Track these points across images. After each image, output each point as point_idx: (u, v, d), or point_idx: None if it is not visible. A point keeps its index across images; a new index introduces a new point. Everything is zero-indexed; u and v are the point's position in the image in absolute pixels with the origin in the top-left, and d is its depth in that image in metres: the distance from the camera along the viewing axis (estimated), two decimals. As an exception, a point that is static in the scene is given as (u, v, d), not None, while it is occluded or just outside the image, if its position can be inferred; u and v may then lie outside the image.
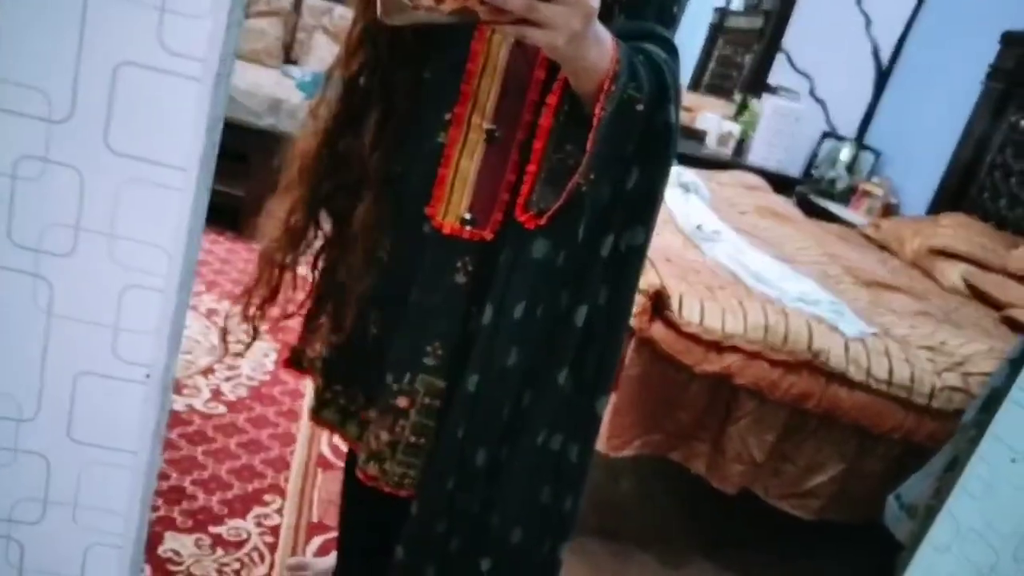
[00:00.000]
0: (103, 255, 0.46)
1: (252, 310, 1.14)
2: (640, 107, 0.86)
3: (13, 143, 0.44)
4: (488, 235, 0.99)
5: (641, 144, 0.91)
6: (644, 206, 0.98)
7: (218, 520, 1.67)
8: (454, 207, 0.99)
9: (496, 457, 1.05)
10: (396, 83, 1.01)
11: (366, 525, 1.26)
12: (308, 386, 1.97)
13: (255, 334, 1.16)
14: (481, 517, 1.07)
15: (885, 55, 4.22)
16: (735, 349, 1.77)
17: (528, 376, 1.02)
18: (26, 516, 0.51)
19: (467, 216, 0.99)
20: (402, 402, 1.04)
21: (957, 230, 2.97)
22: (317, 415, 1.21)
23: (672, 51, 0.94)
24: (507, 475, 1.05)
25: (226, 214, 3.07)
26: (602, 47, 0.81)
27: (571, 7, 0.74)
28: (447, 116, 0.97)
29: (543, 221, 0.92)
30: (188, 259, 0.46)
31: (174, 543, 1.57)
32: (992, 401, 1.08)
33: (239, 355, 1.19)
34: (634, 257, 1.00)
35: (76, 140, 0.44)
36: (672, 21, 0.99)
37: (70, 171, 0.44)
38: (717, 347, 1.76)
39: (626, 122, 0.86)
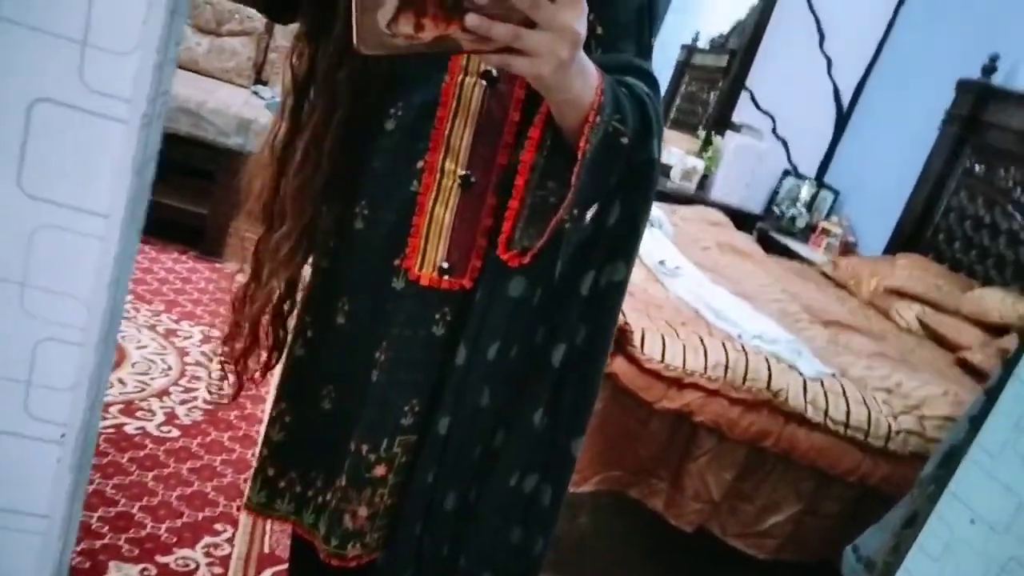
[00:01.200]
0: (14, 305, 0.41)
1: (234, 359, 1.07)
2: (624, 140, 0.83)
3: (-83, 181, 0.40)
4: (467, 283, 0.95)
5: (624, 178, 0.88)
6: (625, 241, 0.95)
7: (166, 549, 1.61)
8: (430, 257, 0.94)
9: (465, 499, 1.01)
10: (331, 127, 0.95)
11: None
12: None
13: (240, 385, 1.08)
14: (449, 560, 1.03)
15: (846, 97, 4.32)
16: (695, 386, 1.76)
17: (501, 416, 0.98)
18: (-80, 587, 0.46)
19: (444, 265, 0.95)
20: (380, 471, 0.99)
21: (913, 271, 3.02)
22: (267, 508, 1.09)
23: (653, 84, 0.92)
24: (477, 516, 1.01)
25: (189, 232, 3.01)
26: (587, 77, 0.78)
27: (557, 34, 0.70)
28: (419, 164, 0.93)
29: (527, 259, 0.90)
30: (111, 311, 0.42)
31: (118, 573, 1.51)
32: (950, 458, 1.07)
33: (226, 403, 1.10)
34: (614, 293, 0.97)
35: (-13, 180, 0.40)
36: (649, 53, 0.97)
37: (-21, 214, 0.40)
38: (678, 384, 1.76)
39: (611, 155, 0.83)
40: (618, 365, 1.75)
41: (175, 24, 0.38)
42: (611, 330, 1.02)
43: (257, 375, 1.08)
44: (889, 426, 1.83)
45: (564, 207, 0.84)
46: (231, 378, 1.07)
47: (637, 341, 1.76)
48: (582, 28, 0.73)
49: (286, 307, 1.07)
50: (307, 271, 1.06)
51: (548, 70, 0.73)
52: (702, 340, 1.84)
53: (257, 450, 1.99)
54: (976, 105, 3.34)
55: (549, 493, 1.04)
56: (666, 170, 4.13)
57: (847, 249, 3.82)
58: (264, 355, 1.08)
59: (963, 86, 3.42)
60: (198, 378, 2.23)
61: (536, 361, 0.97)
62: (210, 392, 2.14)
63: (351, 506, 1.00)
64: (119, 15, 0.37)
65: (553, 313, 0.95)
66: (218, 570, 1.60)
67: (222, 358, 1.06)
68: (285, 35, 3.88)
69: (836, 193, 4.21)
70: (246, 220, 1.04)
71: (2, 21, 0.37)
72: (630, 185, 0.90)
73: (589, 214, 0.91)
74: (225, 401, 1.10)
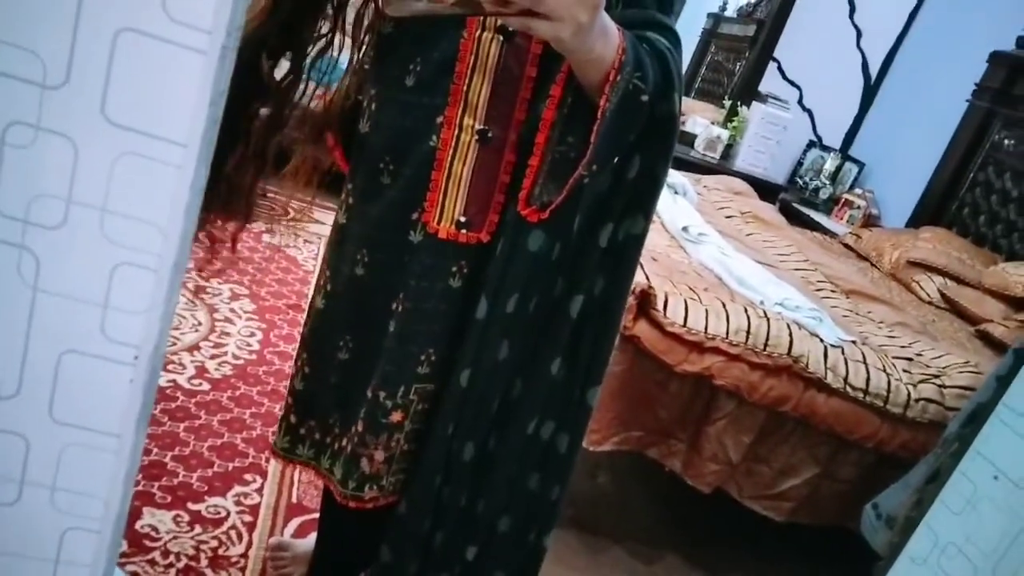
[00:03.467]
0: (94, 230, 0.44)
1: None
2: (645, 97, 0.84)
3: (4, 108, 0.42)
4: (485, 237, 0.97)
5: (644, 133, 0.90)
6: (645, 195, 0.97)
7: (197, 497, 1.65)
8: (448, 211, 0.97)
9: (484, 448, 1.04)
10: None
11: (351, 537, 1.24)
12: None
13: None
14: (467, 508, 1.06)
15: (874, 69, 4.26)
16: (717, 350, 1.77)
17: (520, 367, 1.01)
18: (2, 496, 0.49)
19: (462, 219, 0.97)
20: (396, 417, 1.02)
21: (936, 244, 3.00)
22: (290, 453, 1.16)
23: (674, 39, 0.92)
24: (495, 464, 1.04)
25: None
26: (608, 38, 0.80)
27: None
28: (438, 119, 0.94)
29: (546, 215, 0.91)
30: (183, 238, 0.45)
31: (152, 519, 1.55)
32: (976, 416, 1.09)
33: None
34: (632, 246, 0.99)
35: (71, 108, 0.42)
36: (671, 8, 0.98)
37: (63, 140, 0.42)
38: (699, 348, 1.77)
39: (631, 112, 0.85)
40: (640, 328, 1.76)
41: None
42: (628, 282, 1.04)
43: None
44: (908, 394, 1.84)
45: (583, 164, 0.86)
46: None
47: (660, 305, 1.77)
48: None
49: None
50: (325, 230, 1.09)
51: (568, 33, 0.74)
52: (724, 305, 1.85)
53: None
54: (1008, 78, 3.30)
55: (566, 441, 1.07)
56: (690, 139, 4.11)
57: (870, 222, 3.80)
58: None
59: (996, 58, 3.37)
60: (227, 334, 2.27)
61: (554, 312, 0.99)
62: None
63: (368, 450, 1.04)
64: (203, -53, 0.38)
65: (572, 266, 0.97)
66: (248, 518, 1.64)
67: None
68: None
69: (861, 165, 4.17)
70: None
71: (92, -49, 0.39)
72: (650, 139, 0.92)
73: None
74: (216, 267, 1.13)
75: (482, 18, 0.90)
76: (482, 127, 0.94)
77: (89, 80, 0.41)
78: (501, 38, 0.91)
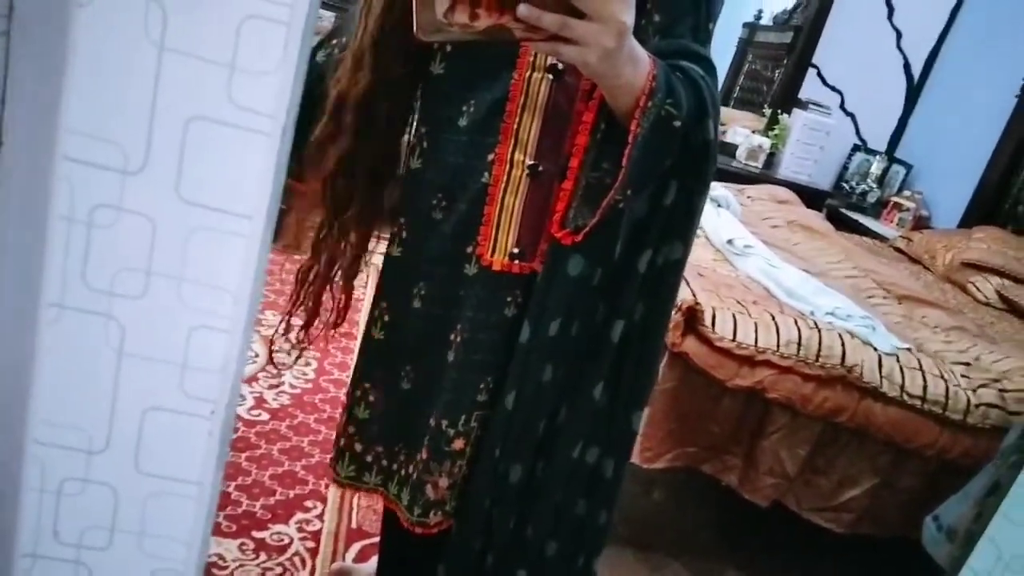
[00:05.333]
0: (172, 297, 0.48)
1: (296, 332, 1.16)
2: (677, 123, 0.86)
3: (90, 193, 0.46)
4: (538, 266, 1.00)
5: (680, 160, 0.91)
6: (682, 221, 0.98)
7: (261, 525, 1.70)
8: (501, 243, 1.00)
9: (531, 472, 1.06)
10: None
11: (412, 559, 1.27)
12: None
13: (299, 354, 1.18)
14: (516, 531, 1.09)
15: (916, 69, 4.19)
16: (768, 364, 1.77)
17: (564, 391, 1.03)
18: (95, 542, 0.54)
19: (515, 251, 1.00)
20: (458, 444, 1.05)
21: (991, 243, 2.94)
22: (357, 481, 1.17)
23: (710, 68, 0.94)
24: (542, 489, 1.07)
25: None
26: (637, 64, 0.81)
27: (603, 24, 0.73)
28: (490, 157, 0.97)
29: (580, 238, 0.93)
30: (252, 301, 0.49)
31: (218, 548, 1.60)
32: (1032, 426, 1.07)
33: (285, 368, 1.21)
34: (671, 272, 1.01)
35: (149, 190, 0.46)
36: (708, 39, 0.99)
37: (142, 219, 0.47)
38: (750, 362, 1.77)
39: (663, 139, 0.86)
40: (689, 344, 1.77)
41: (307, 43, 0.44)
42: (669, 307, 1.05)
43: (322, 334, 1.17)
44: (968, 400, 1.81)
45: (615, 188, 0.87)
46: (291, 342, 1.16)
47: (708, 320, 1.78)
48: (628, 18, 0.75)
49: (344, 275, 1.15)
50: (379, 260, 1.14)
51: (594, 58, 0.75)
52: (774, 318, 1.85)
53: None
54: (1057, 70, 3.23)
55: (611, 466, 1.09)
56: (731, 149, 4.09)
57: (920, 224, 3.73)
58: (332, 316, 1.16)
59: (1044, 50, 3.31)
60: (284, 364, 2.33)
61: (596, 337, 1.01)
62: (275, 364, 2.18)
63: (432, 478, 1.07)
64: (262, 41, 0.42)
65: (612, 291, 0.99)
66: (310, 544, 1.69)
67: (284, 329, 1.15)
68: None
69: (908, 167, 4.10)
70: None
71: (165, 50, 0.43)
72: (686, 166, 0.93)
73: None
74: (288, 365, 1.20)
75: (532, 59, 0.93)
76: (532, 162, 0.97)
77: (165, 164, 0.46)
78: (551, 77, 0.94)
